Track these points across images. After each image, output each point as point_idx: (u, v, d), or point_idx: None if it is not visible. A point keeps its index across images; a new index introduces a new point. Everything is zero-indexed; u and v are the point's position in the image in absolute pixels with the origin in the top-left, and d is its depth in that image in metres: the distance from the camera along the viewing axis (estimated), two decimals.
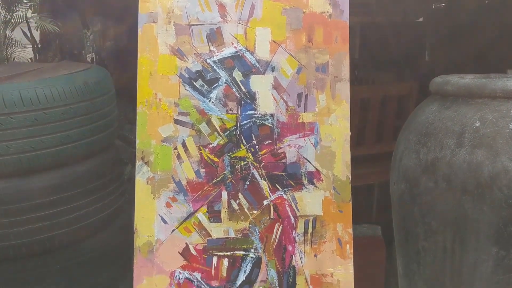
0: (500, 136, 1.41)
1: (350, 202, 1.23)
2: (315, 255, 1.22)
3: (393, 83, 2.79)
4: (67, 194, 1.43)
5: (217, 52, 1.22)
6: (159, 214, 1.18)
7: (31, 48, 2.73)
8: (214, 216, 1.21)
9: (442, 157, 1.47)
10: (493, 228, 1.41)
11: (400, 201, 1.63)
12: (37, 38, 2.69)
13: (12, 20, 2.56)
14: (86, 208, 1.48)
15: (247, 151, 1.21)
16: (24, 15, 2.61)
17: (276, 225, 1.22)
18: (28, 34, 2.66)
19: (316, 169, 1.23)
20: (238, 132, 1.21)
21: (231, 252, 1.20)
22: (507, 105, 1.44)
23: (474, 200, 1.41)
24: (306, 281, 1.21)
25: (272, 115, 1.22)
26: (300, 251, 1.22)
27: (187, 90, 1.20)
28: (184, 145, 1.19)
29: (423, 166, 1.52)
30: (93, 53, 2.85)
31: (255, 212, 1.22)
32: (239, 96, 1.22)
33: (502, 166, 1.39)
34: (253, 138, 1.22)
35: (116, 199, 1.60)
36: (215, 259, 1.20)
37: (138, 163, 1.18)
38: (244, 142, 1.22)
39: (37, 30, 2.58)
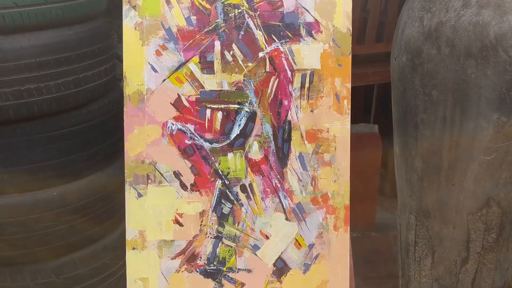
0: None
1: (350, 56, 1.18)
2: (311, 110, 1.18)
3: None
4: (55, 57, 1.37)
5: None
6: (148, 63, 1.13)
7: None
8: (207, 67, 1.15)
9: (446, 20, 1.41)
10: (495, 93, 1.38)
11: (401, 76, 1.59)
12: None
13: None
14: (75, 75, 1.42)
15: None
16: None
17: (272, 79, 1.17)
18: None
19: (315, 19, 1.16)
20: None
21: (225, 105, 1.17)
22: None
23: (478, 64, 1.37)
24: (302, 136, 1.18)
25: None
26: (296, 106, 1.18)
27: None
28: None
29: (426, 33, 1.46)
30: None
31: (250, 64, 1.16)
32: None
33: (509, 25, 1.33)
34: None
35: (106, 70, 1.55)
36: (208, 112, 1.16)
37: (125, 7, 1.11)
38: None
39: None
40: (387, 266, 1.94)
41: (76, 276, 1.56)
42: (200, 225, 1.18)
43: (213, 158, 1.17)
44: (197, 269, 1.19)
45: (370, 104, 3.03)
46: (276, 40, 1.16)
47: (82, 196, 1.52)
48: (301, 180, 1.19)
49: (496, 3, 1.34)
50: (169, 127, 1.15)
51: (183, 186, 1.17)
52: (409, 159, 1.65)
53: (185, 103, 1.15)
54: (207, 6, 1.14)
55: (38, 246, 1.48)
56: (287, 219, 1.20)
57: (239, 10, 1.15)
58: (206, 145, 1.17)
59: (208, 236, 1.18)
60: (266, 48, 1.16)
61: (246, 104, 1.17)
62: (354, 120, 2.71)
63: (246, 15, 1.15)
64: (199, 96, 1.16)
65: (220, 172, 1.18)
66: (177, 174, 1.16)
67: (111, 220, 1.61)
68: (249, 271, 1.20)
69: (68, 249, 1.54)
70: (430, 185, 1.58)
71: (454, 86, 1.42)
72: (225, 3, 1.14)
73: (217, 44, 1.15)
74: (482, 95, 1.39)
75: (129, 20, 1.11)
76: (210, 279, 1.19)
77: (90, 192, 1.54)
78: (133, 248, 1.16)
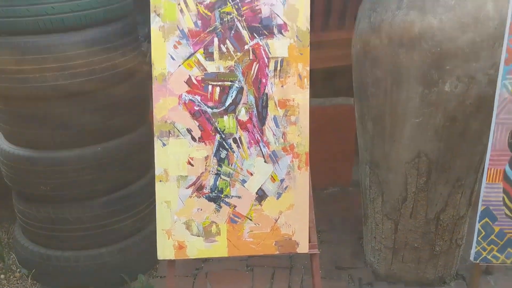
0: (429, 0, 1.81)
1: (309, 47, 1.67)
2: (282, 86, 1.69)
3: None
4: (99, 47, 1.89)
5: None
6: (169, 53, 1.64)
7: None
8: (209, 56, 1.66)
9: (386, 18, 1.89)
10: (420, 72, 1.86)
11: (357, 59, 2.08)
12: None
13: None
14: (114, 60, 1.94)
15: (232, 7, 1.64)
16: None
17: (254, 64, 1.68)
18: None
19: (284, 22, 1.66)
20: None
21: (222, 82, 1.68)
22: None
23: (407, 51, 1.86)
24: (275, 103, 1.69)
25: None
26: (271, 83, 1.69)
27: None
28: (185, 1, 1.62)
29: (372, 28, 1.94)
30: None
31: (238, 54, 1.67)
32: None
33: (428, 23, 1.81)
34: None
35: (136, 56, 2.06)
36: (210, 87, 1.68)
37: (152, 15, 1.61)
38: (230, 0, 1.64)
39: None
40: (360, 212, 2.44)
41: (116, 211, 2.12)
42: (205, 166, 1.71)
43: (213, 119, 1.69)
44: (204, 196, 1.72)
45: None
46: (257, 37, 1.66)
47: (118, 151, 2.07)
48: (275, 135, 1.71)
49: (420, 6, 1.82)
50: (183, 98, 1.67)
51: (193, 138, 1.69)
52: (363, 122, 2.15)
53: (194, 81, 1.67)
54: (209, 13, 1.64)
55: (90, 187, 2.03)
56: (265, 161, 1.72)
57: (231, 16, 1.65)
58: (209, 110, 1.69)
59: (211, 173, 1.71)
60: (249, 42, 1.66)
61: (236, 81, 1.68)
62: (334, 95, 3.20)
63: (235, 19, 1.65)
64: (203, 76, 1.67)
65: (219, 129, 1.70)
66: (189, 130, 1.68)
67: (142, 167, 2.16)
68: (239, 197, 1.73)
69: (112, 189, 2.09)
70: (378, 142, 2.09)
71: (391, 67, 1.91)
72: (221, 11, 1.64)
73: (216, 40, 1.65)
74: (410, 74, 1.88)
75: (155, 24, 1.62)
76: (212, 202, 1.73)
77: (124, 148, 2.08)
78: (160, 181, 1.70)
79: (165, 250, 1.73)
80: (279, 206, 1.75)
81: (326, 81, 3.64)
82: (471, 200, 2.15)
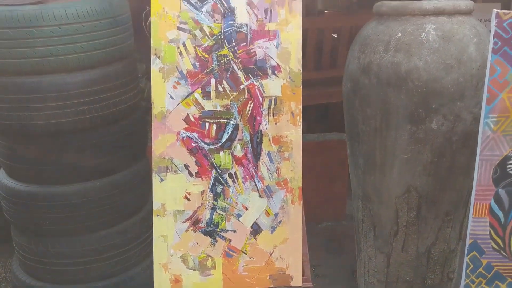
0: (414, 43, 1.92)
1: (301, 87, 1.77)
2: (276, 123, 1.77)
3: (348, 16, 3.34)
4: (100, 87, 1.97)
5: None
6: (168, 93, 1.72)
7: None
8: (206, 95, 1.75)
9: (374, 60, 2.00)
10: (408, 110, 1.95)
11: (347, 97, 2.18)
12: None
13: None
14: (114, 99, 2.02)
15: (228, 50, 1.74)
16: None
17: (249, 103, 1.76)
18: None
19: (277, 63, 1.75)
20: (222, 37, 1.73)
21: (218, 120, 1.76)
22: (422, 20, 1.95)
23: (395, 90, 1.95)
24: (269, 140, 1.77)
25: (246, 25, 1.73)
26: (265, 120, 1.77)
27: (185, 5, 1.70)
28: (184, 45, 1.71)
29: (362, 68, 2.05)
30: None
31: (234, 93, 1.75)
32: (222, 10, 1.72)
33: (414, 64, 1.91)
34: (233, 41, 1.73)
35: (135, 95, 2.15)
36: (207, 124, 1.75)
37: (153, 57, 1.70)
38: (227, 44, 1.73)
39: None
40: (353, 246, 2.48)
41: (116, 244, 2.15)
42: (202, 200, 1.76)
43: (210, 155, 1.76)
44: (200, 230, 1.77)
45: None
46: (252, 77, 1.75)
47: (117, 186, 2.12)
48: (269, 170, 1.78)
49: (406, 48, 1.92)
50: (181, 134, 1.74)
51: (190, 174, 1.75)
52: (355, 158, 2.22)
53: (192, 119, 1.74)
54: (206, 56, 1.73)
55: (88, 221, 2.07)
56: (260, 196, 1.78)
57: (227, 58, 1.74)
58: (206, 146, 1.76)
59: (207, 207, 1.77)
60: (245, 82, 1.75)
61: (232, 119, 1.76)
62: (330, 130, 3.30)
63: (231, 61, 1.75)
64: (201, 114, 1.75)
65: (215, 165, 1.76)
66: (186, 166, 1.75)
67: (139, 201, 2.21)
68: (234, 231, 1.78)
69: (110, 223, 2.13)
70: (369, 177, 2.16)
71: (380, 106, 2.00)
72: (218, 53, 1.74)
73: (213, 81, 1.74)
74: (399, 112, 1.96)
75: (155, 66, 1.71)
76: (208, 236, 1.77)
77: (123, 182, 2.14)
78: (157, 215, 1.75)
79: (161, 284, 1.76)
80: (274, 240, 1.79)
81: (320, 117, 3.75)
82: (461, 234, 2.20)
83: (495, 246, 1.69)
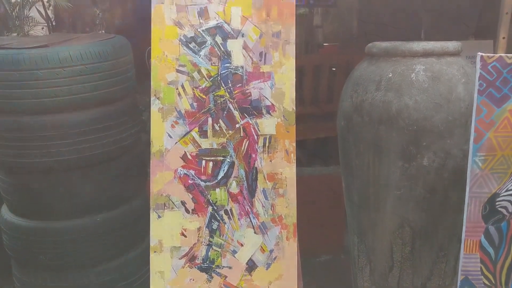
0: (404, 83, 1.99)
1: (294, 126, 1.83)
2: (270, 161, 1.82)
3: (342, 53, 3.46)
4: (102, 125, 2.04)
5: (205, 24, 1.81)
6: (166, 132, 1.79)
7: (46, 26, 3.11)
8: (203, 134, 1.81)
9: (366, 99, 2.06)
10: (399, 147, 2.00)
11: (341, 133, 2.23)
12: (51, 16, 3.11)
13: (30, 0, 2.86)
14: (115, 136, 2.09)
15: (225, 91, 1.81)
16: None
17: (244, 141, 1.82)
18: (43, 13, 2.99)
19: (272, 103, 1.82)
20: (219, 78, 1.81)
21: (214, 158, 1.81)
22: (412, 61, 2.02)
23: (387, 128, 2.01)
24: (264, 177, 1.82)
25: (242, 67, 1.81)
26: (260, 158, 1.82)
27: (184, 49, 1.79)
28: (182, 86, 1.79)
29: (354, 107, 2.11)
30: (102, 30, 3.31)
31: (230, 132, 1.82)
32: (219, 54, 1.80)
33: (405, 103, 1.98)
34: (229, 82, 1.81)
35: (136, 132, 2.22)
36: (203, 162, 1.81)
37: (152, 98, 1.78)
38: (223, 85, 1.81)
39: (48, 8, 3.00)
40: (351, 280, 2.48)
41: (111, 279, 2.18)
42: (198, 237, 1.80)
43: (206, 192, 1.81)
44: (196, 266, 1.80)
45: None
46: (247, 117, 1.82)
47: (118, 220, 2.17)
48: (264, 207, 1.82)
49: (396, 88, 1.99)
50: (178, 172, 1.80)
51: (187, 210, 1.80)
52: (350, 193, 2.26)
53: (189, 157, 1.80)
54: (204, 96, 1.81)
55: (88, 256, 2.11)
56: (255, 232, 1.82)
57: (223, 99, 1.81)
58: (202, 183, 1.81)
59: (203, 244, 1.80)
60: (240, 121, 1.82)
61: (228, 157, 1.82)
62: (326, 164, 3.35)
63: (228, 101, 1.82)
64: (198, 152, 1.81)
65: (211, 201, 1.81)
66: (183, 203, 1.79)
67: (138, 236, 2.25)
68: (230, 268, 1.81)
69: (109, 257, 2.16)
70: (363, 212, 2.19)
71: (372, 143, 2.05)
72: (215, 94, 1.81)
73: (210, 120, 1.81)
74: (391, 149, 2.02)
75: (155, 106, 1.78)
76: (204, 273, 1.80)
77: (123, 217, 2.18)
78: (154, 252, 1.78)
79: None
80: (269, 276, 1.82)
81: (317, 151, 3.81)
82: (456, 269, 2.21)
83: (486, 282, 1.71)
